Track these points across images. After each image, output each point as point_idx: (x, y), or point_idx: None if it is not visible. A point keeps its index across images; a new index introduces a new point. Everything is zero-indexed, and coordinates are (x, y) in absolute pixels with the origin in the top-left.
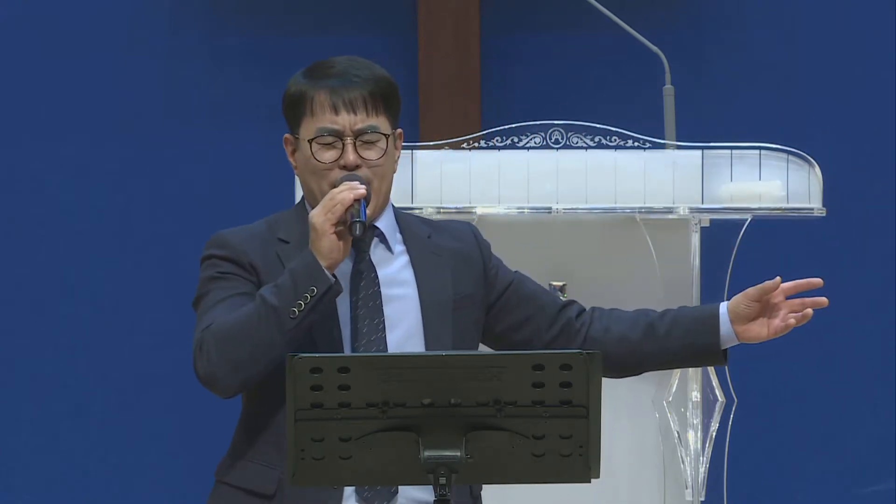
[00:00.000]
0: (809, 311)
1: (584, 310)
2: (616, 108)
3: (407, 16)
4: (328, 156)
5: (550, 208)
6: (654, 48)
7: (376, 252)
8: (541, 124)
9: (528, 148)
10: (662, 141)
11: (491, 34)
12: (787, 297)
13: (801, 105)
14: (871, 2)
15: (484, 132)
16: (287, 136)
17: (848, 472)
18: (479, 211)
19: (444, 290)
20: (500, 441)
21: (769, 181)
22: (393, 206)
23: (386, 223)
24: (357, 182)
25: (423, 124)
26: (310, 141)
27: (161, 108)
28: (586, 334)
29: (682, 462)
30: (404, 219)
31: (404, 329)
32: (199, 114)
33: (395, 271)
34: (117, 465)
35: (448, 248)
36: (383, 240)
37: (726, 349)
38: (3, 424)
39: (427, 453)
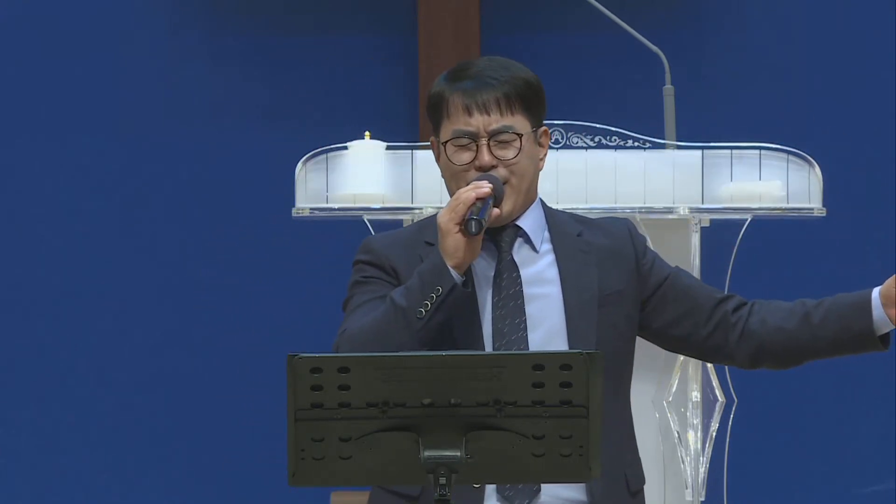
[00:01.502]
0: None
1: (745, 303)
2: (616, 108)
3: (407, 16)
4: (464, 157)
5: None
6: (654, 48)
7: (520, 252)
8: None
9: None
10: (662, 141)
11: (491, 34)
12: None
13: (801, 105)
14: (871, 2)
15: None
16: (432, 139)
17: (848, 472)
18: None
19: (589, 288)
20: (500, 441)
21: (769, 181)
22: (543, 204)
23: (531, 222)
24: (484, 182)
25: (423, 124)
26: (446, 143)
27: (161, 108)
28: (743, 328)
29: (682, 462)
30: (554, 217)
31: (547, 328)
32: (199, 114)
33: (539, 270)
34: (117, 466)
35: (597, 245)
36: (527, 239)
37: (887, 335)
38: (2, 424)
39: (427, 453)
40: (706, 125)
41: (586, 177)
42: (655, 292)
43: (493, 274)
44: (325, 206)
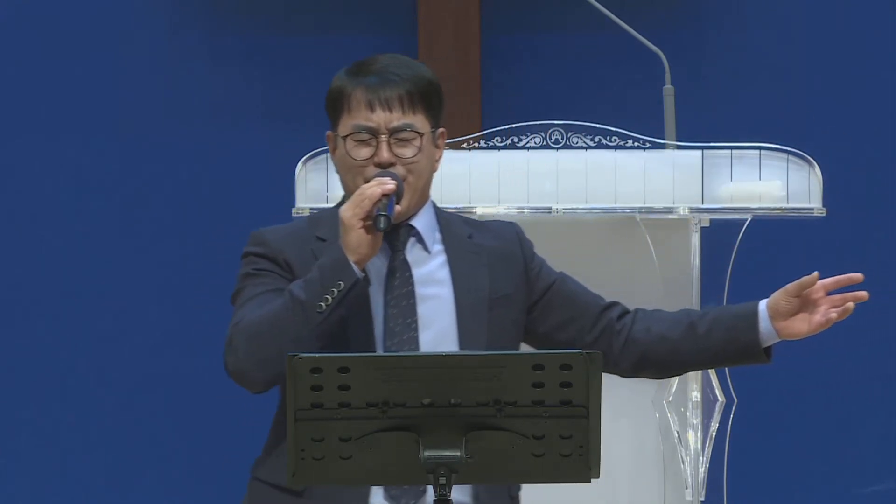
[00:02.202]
0: (851, 304)
1: (629, 311)
2: (616, 108)
3: (407, 16)
4: (363, 153)
5: (550, 208)
6: (654, 48)
7: (413, 251)
8: (541, 124)
9: (528, 148)
10: (662, 141)
11: (491, 34)
12: (828, 293)
13: (801, 105)
14: (871, 2)
15: (484, 132)
16: (329, 133)
17: (848, 472)
18: (479, 211)
19: (480, 290)
20: (500, 441)
21: (769, 181)
22: (434, 205)
23: (424, 222)
24: (388, 178)
25: None
26: (345, 137)
27: (161, 108)
28: (627, 335)
29: (682, 462)
30: (445, 218)
31: (437, 329)
32: (199, 114)
33: (430, 270)
34: (117, 466)
35: (488, 248)
36: (420, 239)
37: (769, 347)
38: (3, 424)
39: (427, 453)
40: (706, 125)
41: (586, 177)
42: (542, 297)
43: (385, 272)
44: (325, 205)
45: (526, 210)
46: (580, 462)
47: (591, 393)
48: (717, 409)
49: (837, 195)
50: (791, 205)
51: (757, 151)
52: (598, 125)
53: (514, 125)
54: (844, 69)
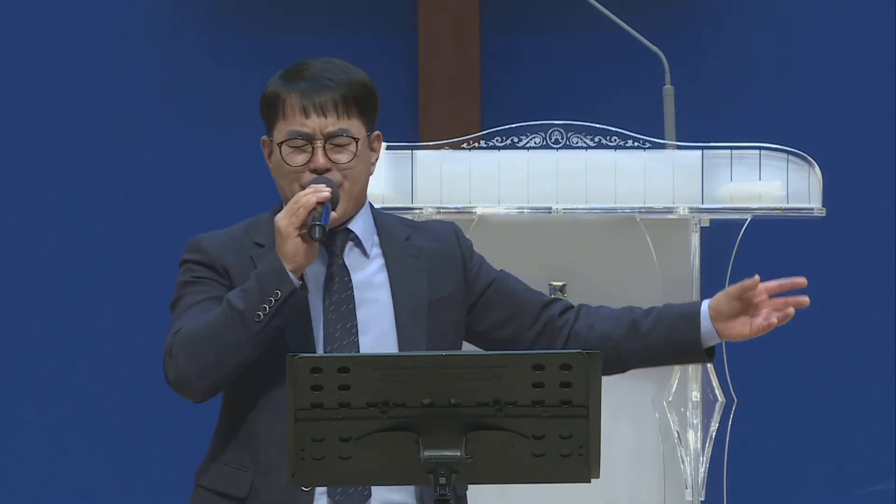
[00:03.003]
0: (791, 310)
1: (571, 307)
2: (616, 108)
3: (407, 16)
4: (298, 159)
5: (550, 208)
6: (654, 48)
7: (350, 255)
8: (541, 124)
9: (528, 148)
10: (662, 141)
11: (491, 34)
12: (772, 296)
13: (801, 105)
14: (871, 2)
15: (484, 132)
16: (264, 137)
17: (848, 472)
18: (479, 211)
19: (418, 293)
20: (500, 441)
21: (769, 181)
22: (372, 207)
23: (362, 226)
24: (323, 185)
25: (423, 124)
26: (280, 144)
27: (161, 108)
28: (570, 332)
29: (682, 462)
30: (383, 221)
31: (377, 333)
32: (199, 114)
33: (369, 275)
34: (117, 466)
35: (426, 249)
36: (358, 243)
37: (712, 347)
38: (3, 424)
39: (427, 453)
40: (706, 125)
41: (586, 177)
42: (482, 296)
43: (324, 278)
44: None
45: (526, 210)
46: (580, 462)
47: (591, 393)
48: (717, 409)
49: (837, 195)
50: (791, 205)
51: (757, 151)
52: (598, 125)
53: (514, 125)
54: (844, 69)
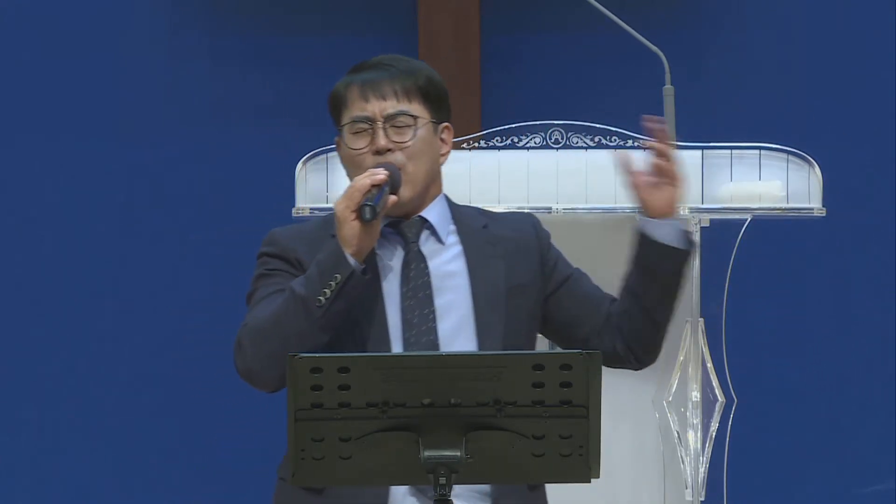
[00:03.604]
0: (661, 162)
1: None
2: (616, 108)
3: (407, 16)
4: (360, 142)
5: (550, 208)
6: (654, 48)
7: (427, 243)
8: (541, 124)
9: (528, 148)
10: None
11: (491, 34)
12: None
13: (801, 105)
14: (871, 2)
15: (484, 132)
16: (337, 138)
17: (848, 472)
18: None
19: (496, 279)
20: (500, 441)
21: (769, 181)
22: (447, 198)
23: (436, 214)
24: (381, 169)
25: None
26: (342, 128)
27: (161, 108)
28: (614, 321)
29: (682, 462)
30: (459, 210)
31: (455, 319)
32: (199, 114)
33: (445, 261)
34: (117, 466)
35: (503, 238)
36: (433, 231)
37: (673, 243)
38: (2, 424)
39: (427, 453)
40: (706, 125)
41: (586, 177)
42: (557, 290)
43: (401, 265)
44: (325, 206)
45: (526, 210)
46: (580, 462)
47: (591, 393)
48: (717, 409)
49: (837, 195)
50: (791, 205)
51: (757, 151)
52: (598, 125)
53: (514, 125)
54: (844, 69)
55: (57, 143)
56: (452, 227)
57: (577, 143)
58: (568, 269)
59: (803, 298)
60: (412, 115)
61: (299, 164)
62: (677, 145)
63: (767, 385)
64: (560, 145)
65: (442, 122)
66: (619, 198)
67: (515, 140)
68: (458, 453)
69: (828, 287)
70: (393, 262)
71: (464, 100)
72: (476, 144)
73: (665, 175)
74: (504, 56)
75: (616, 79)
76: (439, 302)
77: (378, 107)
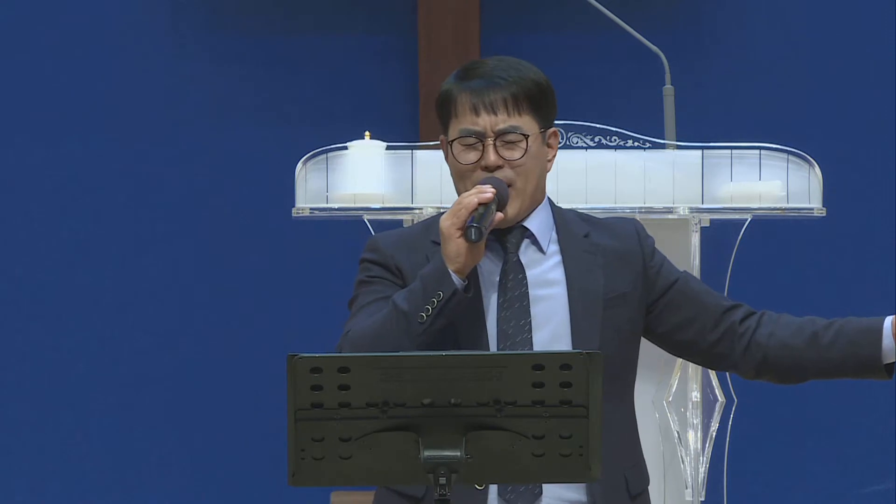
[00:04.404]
0: None
1: (753, 313)
2: (616, 108)
3: (407, 16)
4: (470, 157)
5: None
6: (654, 48)
7: (527, 253)
8: None
9: None
10: (662, 141)
11: (491, 34)
12: None
13: (801, 105)
14: (871, 2)
15: None
16: (441, 137)
17: (848, 472)
18: None
19: (594, 289)
20: (500, 441)
21: (769, 181)
22: (551, 203)
23: (538, 223)
24: (489, 186)
25: (423, 124)
26: (452, 142)
27: (161, 107)
28: (750, 339)
29: (682, 462)
30: (563, 217)
31: (551, 329)
32: (199, 114)
33: (544, 271)
34: (117, 466)
35: (604, 246)
36: (534, 240)
37: (892, 363)
38: (2, 424)
39: (427, 453)
40: (706, 125)
41: (586, 177)
42: (663, 296)
43: (498, 275)
44: (325, 206)
45: None
46: (580, 462)
47: (591, 393)
48: (717, 409)
49: (837, 195)
50: (791, 205)
51: (757, 151)
52: (598, 125)
53: None
54: (844, 69)
55: (57, 143)
56: (554, 236)
57: (577, 143)
58: (674, 273)
59: (803, 298)
60: (523, 134)
61: (299, 164)
62: (677, 145)
63: (767, 385)
64: (560, 145)
65: (549, 129)
66: (619, 198)
67: None
68: (458, 453)
69: (828, 287)
70: (492, 273)
71: None
72: None
73: None
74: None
75: (616, 79)
76: (536, 311)
77: (489, 122)
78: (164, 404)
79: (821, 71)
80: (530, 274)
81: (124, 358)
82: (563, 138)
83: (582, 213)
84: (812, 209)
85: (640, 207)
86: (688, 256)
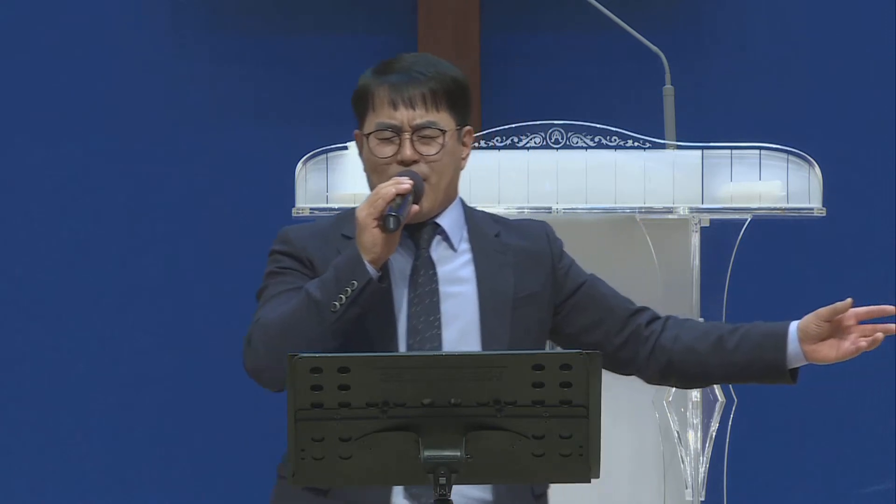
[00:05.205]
0: (880, 335)
1: (658, 317)
2: (616, 108)
3: (407, 16)
4: (386, 150)
5: (550, 208)
6: (654, 48)
7: (438, 249)
8: (541, 124)
9: (528, 148)
10: (662, 141)
11: (491, 34)
12: (860, 322)
13: (801, 105)
14: (871, 2)
15: (484, 132)
16: (356, 131)
17: (848, 472)
18: None
19: (504, 288)
20: (500, 441)
21: (769, 181)
22: (463, 203)
23: (450, 220)
24: (406, 178)
25: None
26: (369, 135)
27: (161, 107)
28: (655, 342)
29: (682, 462)
30: (473, 216)
31: (460, 326)
32: (199, 114)
33: (455, 268)
34: (117, 466)
35: (515, 246)
36: (445, 237)
37: (796, 368)
38: (2, 424)
39: (427, 453)
40: (706, 125)
41: (586, 177)
42: (570, 298)
43: (409, 271)
44: (325, 205)
45: (526, 210)
46: (580, 462)
47: (591, 393)
48: (717, 409)
49: (837, 195)
50: (791, 205)
51: (757, 151)
52: (598, 125)
53: (514, 125)
54: (844, 69)
55: (57, 143)
56: (465, 234)
57: (577, 143)
58: (581, 276)
59: (803, 298)
60: (440, 129)
61: (299, 164)
62: (677, 145)
63: (768, 385)
64: (560, 145)
65: (465, 127)
66: (619, 198)
67: (515, 140)
68: (458, 453)
69: (828, 287)
70: (403, 268)
71: None
72: (476, 144)
73: (871, 342)
74: (504, 56)
75: (616, 79)
76: (445, 308)
77: (406, 116)
78: (164, 404)
79: (821, 71)
80: (441, 271)
81: (124, 358)
82: (563, 138)
83: (492, 213)
84: (812, 209)
85: (640, 207)
86: (688, 256)
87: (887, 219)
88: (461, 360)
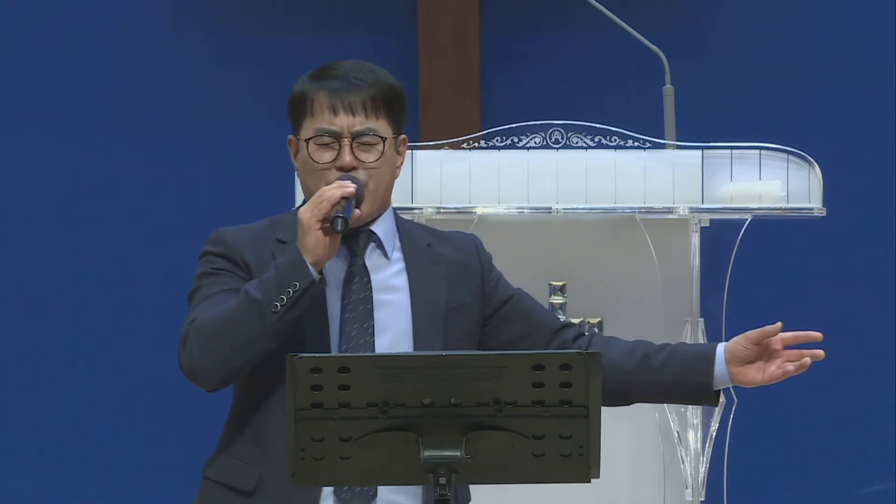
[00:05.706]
0: (807, 360)
1: (583, 334)
2: (616, 108)
3: (407, 16)
4: (325, 156)
5: (550, 208)
6: (654, 48)
7: (371, 257)
8: (541, 124)
9: (528, 148)
10: (662, 141)
11: (491, 34)
12: (786, 347)
13: (801, 105)
14: (872, 2)
15: (484, 132)
16: (291, 136)
17: (848, 472)
18: (478, 211)
19: (437, 298)
20: (500, 441)
21: (769, 181)
22: (395, 212)
23: (384, 229)
24: (349, 181)
25: (423, 124)
26: (307, 140)
27: (161, 107)
28: None
29: (682, 462)
30: (405, 226)
31: (393, 334)
32: (199, 114)
33: (388, 276)
34: (117, 466)
35: (447, 257)
36: (380, 245)
37: (719, 390)
38: (2, 424)
39: (427, 453)
40: (706, 125)
41: (586, 177)
42: (498, 311)
43: (343, 277)
44: None
45: (526, 210)
46: (580, 462)
47: (591, 393)
48: (717, 409)
49: (837, 195)
50: (791, 205)
51: (757, 151)
52: (598, 125)
53: (514, 125)
54: (844, 69)
55: (56, 143)
56: (398, 243)
57: (577, 143)
58: (509, 290)
59: (803, 298)
60: (380, 136)
61: None
62: (677, 145)
63: (767, 385)
64: (560, 145)
65: (401, 136)
66: (619, 198)
67: (515, 140)
68: (458, 453)
69: (828, 287)
70: (337, 274)
71: (464, 100)
72: (476, 144)
73: (799, 367)
74: (504, 56)
75: (616, 79)
76: (379, 316)
77: (346, 122)
78: (164, 404)
79: (821, 71)
80: (375, 278)
81: (124, 358)
82: (563, 138)
83: (424, 225)
84: (812, 209)
85: (640, 207)
86: (688, 256)
87: (887, 219)
88: (461, 360)
